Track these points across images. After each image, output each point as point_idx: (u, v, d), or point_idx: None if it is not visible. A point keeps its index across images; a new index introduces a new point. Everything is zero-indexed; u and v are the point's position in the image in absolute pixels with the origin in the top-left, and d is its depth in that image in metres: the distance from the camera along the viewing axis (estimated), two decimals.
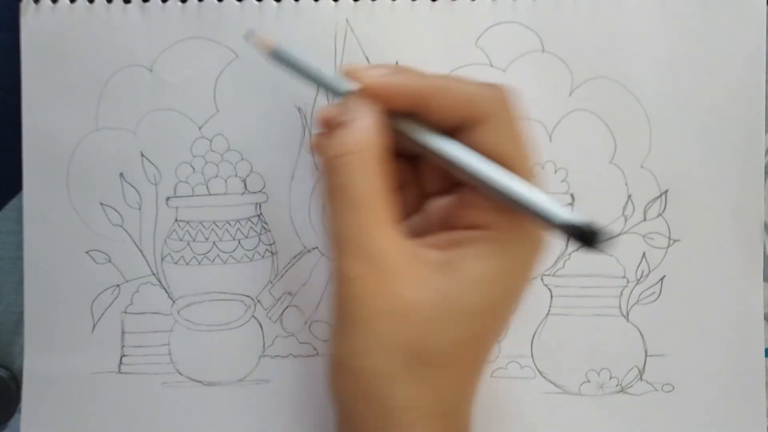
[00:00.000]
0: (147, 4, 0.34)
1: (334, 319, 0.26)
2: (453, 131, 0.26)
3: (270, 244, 0.34)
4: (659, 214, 0.34)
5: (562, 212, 0.24)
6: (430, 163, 0.28)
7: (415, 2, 0.34)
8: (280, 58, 0.28)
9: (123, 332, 0.35)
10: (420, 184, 0.29)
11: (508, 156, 0.25)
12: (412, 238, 0.26)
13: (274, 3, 0.34)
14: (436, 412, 0.25)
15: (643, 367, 0.34)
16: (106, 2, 0.34)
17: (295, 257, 0.34)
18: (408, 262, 0.25)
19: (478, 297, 0.25)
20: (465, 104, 0.25)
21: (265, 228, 0.34)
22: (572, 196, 0.34)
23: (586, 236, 0.23)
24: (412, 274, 0.25)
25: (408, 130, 0.26)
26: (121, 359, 0.35)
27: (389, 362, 0.24)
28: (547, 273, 0.34)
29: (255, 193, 0.34)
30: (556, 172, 0.34)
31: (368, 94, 0.26)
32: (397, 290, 0.24)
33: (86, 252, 0.35)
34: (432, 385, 0.25)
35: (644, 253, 0.34)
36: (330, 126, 0.27)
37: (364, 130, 0.25)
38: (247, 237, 0.34)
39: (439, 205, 0.28)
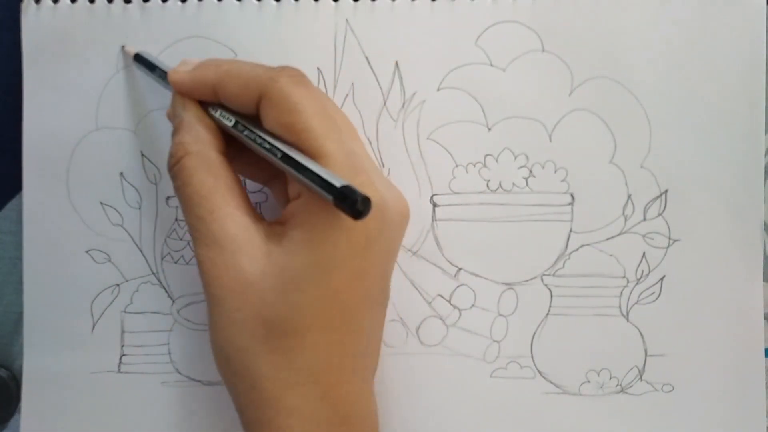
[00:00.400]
0: (147, 4, 0.34)
1: (206, 304, 0.28)
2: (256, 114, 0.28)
3: None
4: (659, 214, 0.34)
5: (327, 178, 0.24)
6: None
7: (415, 2, 0.34)
8: (139, 61, 0.32)
9: (123, 332, 0.35)
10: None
11: (293, 126, 0.26)
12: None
13: (274, 3, 0.34)
14: (303, 380, 0.26)
15: (643, 367, 0.34)
16: (106, 2, 0.34)
17: None
18: (251, 239, 0.27)
19: (303, 258, 0.25)
20: (248, 84, 0.27)
21: None
22: (572, 195, 0.34)
23: (347, 200, 0.23)
24: (254, 249, 0.26)
25: (223, 121, 0.28)
26: (120, 359, 0.35)
27: (242, 336, 0.26)
28: (547, 273, 0.34)
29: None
30: (556, 171, 0.34)
31: (179, 90, 0.29)
32: (240, 266, 0.26)
33: (86, 251, 0.35)
34: (288, 354, 0.26)
35: (644, 253, 0.34)
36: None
37: (187, 131, 0.28)
38: None
39: (277, 188, 0.31)
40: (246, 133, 0.27)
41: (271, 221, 0.28)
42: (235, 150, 0.29)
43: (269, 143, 0.26)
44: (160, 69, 0.31)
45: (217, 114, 0.29)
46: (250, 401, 0.27)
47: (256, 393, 0.26)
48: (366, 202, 0.23)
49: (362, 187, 0.24)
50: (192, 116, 0.29)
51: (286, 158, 0.26)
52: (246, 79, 0.27)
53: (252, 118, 0.28)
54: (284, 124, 0.26)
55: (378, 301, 0.29)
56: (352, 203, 0.23)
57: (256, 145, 0.27)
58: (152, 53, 0.34)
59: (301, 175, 0.25)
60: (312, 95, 0.27)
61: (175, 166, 0.28)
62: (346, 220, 0.25)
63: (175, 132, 0.29)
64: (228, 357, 0.27)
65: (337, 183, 0.24)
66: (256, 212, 0.28)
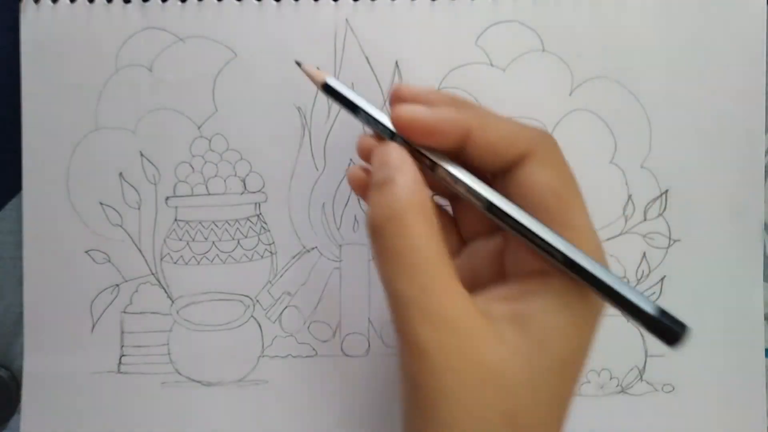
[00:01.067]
0: (147, 4, 0.34)
1: (410, 393, 0.23)
2: (495, 175, 0.25)
3: (269, 244, 0.34)
4: (659, 214, 0.34)
5: (644, 305, 0.22)
6: (467, 204, 0.26)
7: (415, 2, 0.34)
8: (329, 91, 0.26)
9: (122, 332, 0.35)
10: (456, 225, 0.28)
11: (556, 192, 0.23)
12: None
13: (274, 3, 0.34)
14: None
15: (644, 368, 0.34)
16: (106, 2, 0.34)
17: (294, 257, 0.34)
18: (481, 322, 0.22)
19: (558, 351, 0.22)
20: (510, 140, 0.24)
21: (264, 228, 0.34)
22: None
23: (669, 332, 0.22)
24: (488, 335, 0.22)
25: (449, 174, 0.24)
26: (120, 359, 0.35)
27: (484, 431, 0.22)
28: None
29: (254, 192, 0.34)
30: None
31: (406, 130, 0.24)
32: (477, 356, 0.22)
33: (86, 252, 0.35)
34: None
35: (644, 253, 0.34)
36: (369, 157, 0.25)
37: (409, 187, 0.23)
38: (246, 237, 0.34)
39: (486, 249, 0.26)
40: (495, 211, 0.24)
41: (489, 295, 0.24)
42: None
43: (543, 240, 0.23)
44: (364, 111, 0.25)
45: (444, 168, 0.24)
46: None
47: None
48: (683, 328, 0.22)
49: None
50: (415, 174, 0.23)
51: (573, 265, 0.22)
52: (514, 131, 0.24)
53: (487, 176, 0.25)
54: (552, 190, 0.23)
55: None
56: (673, 333, 0.22)
57: (530, 241, 0.23)
58: (152, 53, 0.34)
59: (602, 293, 0.22)
60: (570, 168, 0.24)
61: (389, 221, 0.22)
62: (596, 308, 0.23)
63: (389, 185, 0.23)
64: None
65: (651, 309, 0.22)
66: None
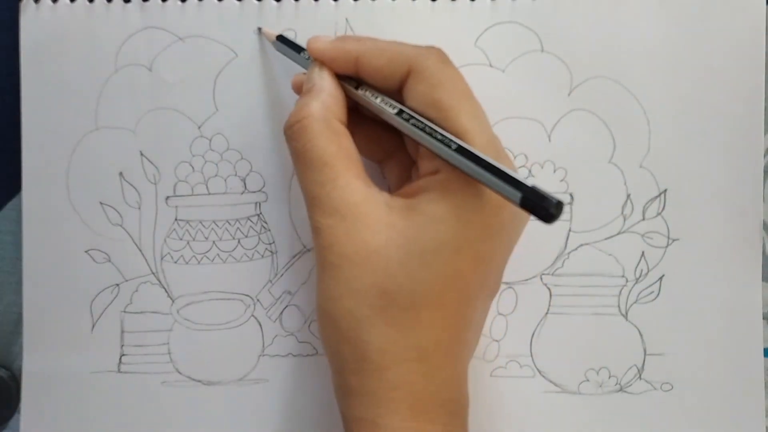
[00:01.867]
0: (146, 3, 0.34)
1: (316, 270, 0.28)
2: (396, 91, 0.28)
3: (270, 244, 0.34)
4: (658, 214, 0.34)
5: (515, 177, 0.24)
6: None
7: (415, 2, 0.34)
8: (283, 42, 0.32)
9: (122, 331, 0.35)
10: (382, 140, 0.31)
11: (434, 103, 0.26)
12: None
13: (274, 3, 0.34)
14: (412, 356, 0.26)
15: (642, 366, 0.34)
16: (105, 2, 0.34)
17: (294, 256, 0.35)
18: (373, 210, 0.26)
19: (435, 234, 0.25)
20: (397, 60, 0.27)
21: (264, 227, 0.34)
22: (571, 195, 0.34)
23: (539, 202, 0.23)
24: (375, 220, 0.26)
25: (360, 95, 0.28)
26: (120, 358, 0.35)
27: (359, 305, 0.26)
28: (546, 272, 0.34)
29: (254, 192, 0.34)
30: (555, 171, 0.34)
31: (319, 58, 0.29)
32: (361, 236, 0.26)
33: (86, 251, 0.35)
34: (402, 329, 0.26)
35: (643, 253, 0.34)
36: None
37: (316, 96, 0.28)
38: (246, 236, 0.34)
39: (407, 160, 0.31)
40: (404, 116, 0.27)
41: (393, 194, 0.28)
42: (352, 125, 0.29)
43: (441, 134, 0.26)
44: (305, 49, 0.30)
45: (364, 91, 0.28)
46: (354, 370, 0.26)
47: (363, 363, 0.26)
48: (559, 206, 0.22)
49: None
50: (326, 84, 0.28)
51: (462, 151, 0.25)
52: (392, 53, 0.27)
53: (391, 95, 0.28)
54: (432, 101, 0.26)
55: (492, 289, 0.29)
56: (545, 206, 0.22)
57: (417, 130, 0.26)
58: (152, 53, 0.34)
59: (482, 170, 0.24)
60: (459, 76, 0.27)
61: (296, 125, 0.27)
62: (488, 202, 0.25)
63: (303, 95, 0.29)
64: (338, 325, 0.26)
65: (527, 182, 0.23)
66: (373, 184, 0.28)
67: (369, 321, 0.26)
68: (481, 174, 0.24)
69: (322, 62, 0.29)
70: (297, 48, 0.31)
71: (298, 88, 0.30)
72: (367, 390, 0.26)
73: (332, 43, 0.29)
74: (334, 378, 0.28)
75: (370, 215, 0.26)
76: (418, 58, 0.27)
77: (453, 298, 0.26)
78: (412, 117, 0.26)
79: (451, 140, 0.25)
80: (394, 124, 0.27)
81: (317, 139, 0.27)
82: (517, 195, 0.23)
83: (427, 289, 0.26)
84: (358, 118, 0.30)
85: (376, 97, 0.28)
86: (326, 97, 0.28)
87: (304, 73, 0.30)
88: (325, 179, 0.26)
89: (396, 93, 0.28)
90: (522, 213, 0.26)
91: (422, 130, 0.26)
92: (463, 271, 0.26)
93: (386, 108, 0.27)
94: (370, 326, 0.26)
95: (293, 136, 0.27)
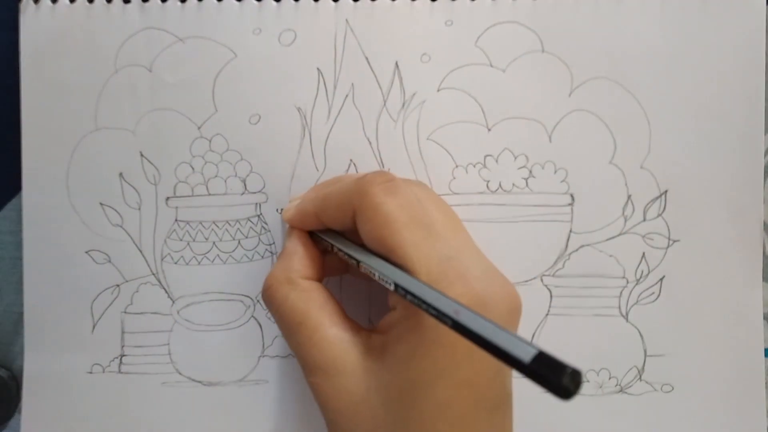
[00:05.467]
0: (146, 4, 0.34)
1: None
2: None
3: (270, 244, 0.34)
4: (659, 215, 0.34)
5: (511, 351, 0.20)
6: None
7: (415, 2, 0.34)
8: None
9: (123, 332, 0.35)
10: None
11: (378, 239, 0.26)
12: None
13: (274, 3, 0.34)
14: None
15: (643, 367, 0.34)
16: (105, 2, 0.34)
17: None
18: (351, 359, 0.27)
19: (407, 374, 0.26)
20: (342, 205, 0.28)
21: (264, 228, 0.34)
22: (572, 196, 0.34)
23: (545, 375, 0.18)
24: (354, 368, 0.27)
25: (335, 246, 0.29)
26: (120, 359, 0.35)
27: None
28: (546, 273, 0.34)
29: (255, 193, 0.34)
30: (555, 172, 0.34)
31: (292, 225, 0.31)
32: (346, 389, 0.26)
33: (86, 252, 0.35)
34: None
35: (644, 254, 0.34)
36: None
37: (280, 261, 0.30)
38: (246, 237, 0.34)
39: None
40: (361, 264, 0.27)
41: (370, 330, 0.28)
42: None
43: (400, 287, 0.25)
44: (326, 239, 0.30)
45: (336, 245, 0.29)
46: None
47: None
48: (576, 376, 0.18)
49: (459, 297, 0.24)
50: (290, 245, 0.30)
51: (458, 326, 0.22)
52: (340, 199, 0.28)
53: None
54: (376, 238, 0.26)
55: (493, 404, 0.27)
56: (555, 381, 0.18)
57: (378, 278, 0.26)
58: (152, 53, 0.34)
59: (478, 342, 0.21)
60: (403, 203, 0.27)
61: (265, 293, 0.29)
62: (446, 334, 0.25)
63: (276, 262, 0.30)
64: None
65: (525, 355, 0.19)
66: (353, 324, 0.28)
67: None
68: (485, 343, 0.21)
69: (296, 227, 0.31)
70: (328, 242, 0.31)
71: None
72: None
73: (297, 208, 0.30)
74: None
75: (349, 365, 0.27)
76: (359, 198, 0.27)
77: (445, 429, 0.26)
78: (370, 266, 0.27)
79: (446, 315, 0.22)
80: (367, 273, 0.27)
81: (285, 302, 0.28)
82: (521, 362, 0.19)
83: (418, 427, 0.25)
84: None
85: (342, 249, 0.29)
86: (290, 259, 0.29)
87: None
88: (302, 339, 0.27)
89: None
90: (501, 322, 0.25)
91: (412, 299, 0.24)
92: (447, 401, 0.25)
93: (349, 260, 0.28)
94: None
95: (266, 302, 0.29)
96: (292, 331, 0.28)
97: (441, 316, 0.22)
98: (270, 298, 0.29)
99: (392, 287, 0.25)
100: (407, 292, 0.24)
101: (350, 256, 0.28)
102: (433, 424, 0.25)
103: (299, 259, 0.29)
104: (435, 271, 0.25)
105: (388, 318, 0.27)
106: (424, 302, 0.23)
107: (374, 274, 0.26)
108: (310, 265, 0.29)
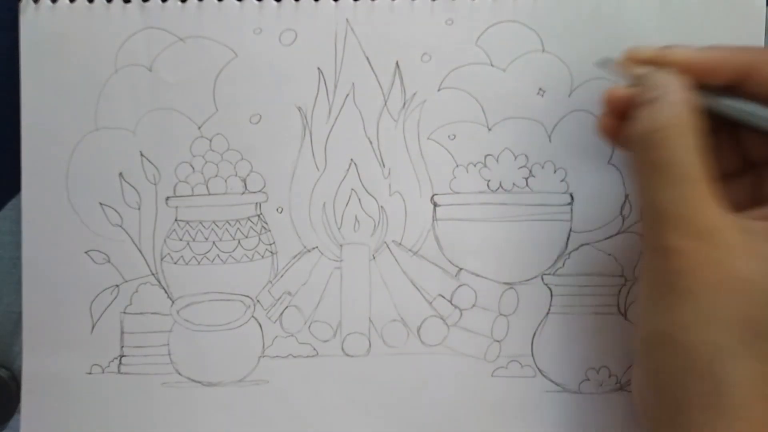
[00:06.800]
0: (147, 3, 0.34)
1: (653, 293, 0.25)
2: None
3: (270, 244, 0.34)
4: None
5: None
6: (751, 132, 0.28)
7: (416, 2, 0.34)
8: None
9: (122, 332, 0.35)
10: (734, 152, 0.29)
11: None
12: (734, 210, 0.25)
13: (274, 3, 0.34)
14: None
15: None
16: (105, 2, 0.34)
17: (294, 257, 0.35)
18: (737, 235, 0.24)
19: None
20: (730, 63, 0.26)
21: (265, 228, 0.34)
22: (571, 195, 0.34)
23: None
24: (742, 247, 0.24)
25: (724, 105, 0.27)
26: (120, 359, 0.35)
27: (724, 336, 0.24)
28: (547, 272, 0.34)
29: (255, 192, 0.34)
30: (555, 171, 0.34)
31: (681, 70, 0.27)
32: (728, 263, 0.24)
33: (85, 252, 0.34)
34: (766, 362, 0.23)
35: (641, 252, 0.34)
36: (621, 107, 0.28)
37: (678, 104, 0.26)
38: (246, 237, 0.34)
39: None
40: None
41: (752, 215, 0.26)
42: None
43: None
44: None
45: (717, 100, 0.27)
46: (703, 405, 0.24)
47: (716, 398, 0.24)
48: None
49: None
50: (685, 94, 0.26)
51: None
52: (732, 55, 0.26)
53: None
54: None
55: None
56: None
57: None
58: (152, 53, 0.34)
59: None
60: None
61: (657, 133, 0.25)
62: None
63: (657, 103, 0.26)
64: (693, 355, 0.24)
65: None
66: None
67: (733, 352, 0.23)
68: None
69: (681, 72, 0.27)
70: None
71: (616, 102, 0.29)
72: (718, 427, 0.24)
73: (703, 54, 0.27)
74: (659, 413, 0.26)
75: (733, 240, 0.24)
76: None
77: None
78: None
79: None
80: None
81: (683, 151, 0.25)
82: None
83: None
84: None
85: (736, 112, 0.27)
86: (687, 106, 0.26)
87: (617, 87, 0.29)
88: (687, 197, 0.24)
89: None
90: None
91: None
92: None
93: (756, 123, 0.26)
94: (732, 358, 0.23)
95: (651, 145, 0.25)
96: (674, 183, 0.24)
97: None
98: (664, 140, 0.25)
99: None
100: None
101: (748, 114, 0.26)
102: None
103: (691, 110, 0.26)
104: None
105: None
106: None
107: None
108: (697, 121, 0.26)
